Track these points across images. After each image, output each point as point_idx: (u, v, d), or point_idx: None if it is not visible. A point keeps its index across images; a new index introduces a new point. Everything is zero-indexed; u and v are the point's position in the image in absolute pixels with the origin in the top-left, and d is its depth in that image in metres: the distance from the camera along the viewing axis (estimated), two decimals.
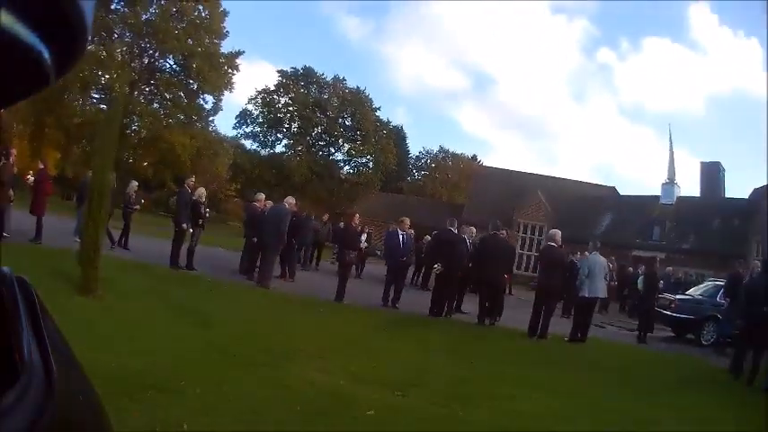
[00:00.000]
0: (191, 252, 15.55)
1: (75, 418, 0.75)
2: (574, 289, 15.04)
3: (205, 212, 16.46)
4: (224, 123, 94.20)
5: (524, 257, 39.81)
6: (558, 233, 14.49)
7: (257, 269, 15.73)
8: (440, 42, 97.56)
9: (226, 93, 51.24)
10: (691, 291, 20.30)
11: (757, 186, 36.68)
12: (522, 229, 41.06)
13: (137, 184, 19.12)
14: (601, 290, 14.44)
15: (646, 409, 8.27)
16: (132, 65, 46.74)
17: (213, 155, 49.88)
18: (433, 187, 68.16)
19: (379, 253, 29.48)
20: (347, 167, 60.69)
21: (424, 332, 12.34)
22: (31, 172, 17.29)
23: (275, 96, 59.19)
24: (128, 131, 44.09)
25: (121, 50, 46.00)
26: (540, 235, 40.84)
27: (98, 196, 10.39)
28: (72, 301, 8.64)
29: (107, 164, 10.86)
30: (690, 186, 60.15)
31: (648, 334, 16.79)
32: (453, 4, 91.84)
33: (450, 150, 73.54)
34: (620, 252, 30.90)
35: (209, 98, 50.74)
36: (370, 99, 59.48)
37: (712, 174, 42.64)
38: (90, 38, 0.60)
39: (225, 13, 49.10)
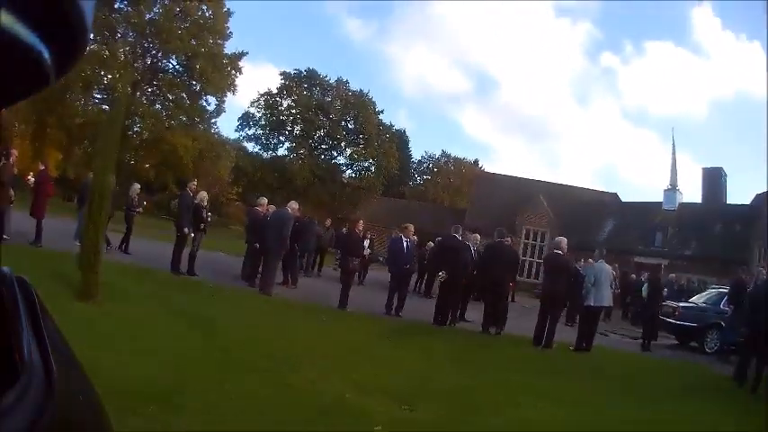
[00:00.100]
0: (192, 257, 15.38)
1: (75, 418, 0.76)
2: (578, 297, 14.90)
3: (207, 217, 16.33)
4: (226, 126, 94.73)
5: (527, 264, 39.60)
6: (563, 240, 14.42)
7: (259, 275, 15.54)
8: (443, 44, 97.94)
9: (228, 95, 51.25)
10: (694, 298, 20.28)
11: (759, 191, 36.81)
12: (524, 235, 40.96)
13: (139, 186, 18.97)
14: (606, 298, 14.32)
15: (651, 417, 8.31)
16: (135, 65, 46.69)
17: (215, 157, 49.83)
18: (435, 192, 68.24)
19: (381, 259, 29.32)
20: (349, 171, 60.55)
21: (428, 341, 12.17)
22: (32, 173, 17.13)
23: (278, 99, 58.98)
24: (130, 133, 44.00)
25: (124, 50, 45.99)
26: (542, 241, 41.16)
27: (99, 198, 10.22)
28: (72, 307, 8.48)
29: (108, 165, 10.68)
30: (692, 191, 60.16)
31: (652, 342, 16.74)
32: (456, 6, 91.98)
33: (453, 155, 73.75)
34: (623, 258, 30.80)
35: (212, 100, 50.78)
36: (373, 102, 59.31)
37: (714, 179, 42.60)
38: (90, 38, 0.60)
39: (229, 14, 49.17)
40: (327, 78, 59.53)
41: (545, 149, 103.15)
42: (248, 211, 20.99)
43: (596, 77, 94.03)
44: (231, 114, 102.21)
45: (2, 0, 0.46)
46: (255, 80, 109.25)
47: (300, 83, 58.91)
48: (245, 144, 60.02)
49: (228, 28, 49.37)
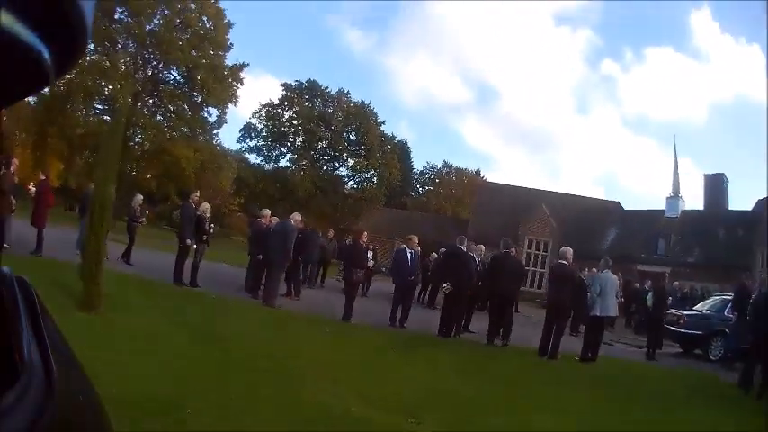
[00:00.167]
0: (194, 268, 15.31)
1: (75, 418, 0.77)
2: (583, 306, 15.10)
3: (209, 228, 16.23)
4: (228, 137, 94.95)
5: (530, 273, 39.30)
6: (569, 251, 14.31)
7: (262, 287, 15.45)
8: (443, 54, 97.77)
9: (230, 106, 51.26)
10: (698, 306, 20.23)
11: (761, 196, 36.87)
12: (527, 244, 40.82)
13: (142, 197, 18.85)
14: (612, 308, 14.28)
15: (658, 425, 8.56)
16: (136, 76, 46.67)
17: (217, 169, 49.80)
18: (437, 203, 68.13)
19: (384, 270, 29.18)
20: (351, 182, 60.32)
21: (433, 352, 12.10)
22: (33, 183, 17.12)
23: (279, 110, 58.87)
24: (131, 143, 43.98)
25: (125, 61, 46.01)
26: (545, 251, 41.10)
27: (100, 209, 10.13)
28: (73, 317, 8.37)
29: (110, 176, 10.58)
30: (693, 196, 60.06)
31: (657, 350, 16.71)
32: (456, 16, 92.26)
33: (454, 165, 73.74)
34: (626, 267, 30.60)
35: (213, 111, 50.76)
36: (375, 113, 59.16)
37: (716, 186, 42.46)
38: (90, 38, 0.61)
39: (229, 25, 49.12)
40: (329, 90, 59.46)
41: (546, 159, 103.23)
42: (251, 222, 20.89)
43: (596, 85, 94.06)
44: (233, 126, 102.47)
45: (2, 0, 0.47)
46: (256, 92, 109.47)
47: (302, 94, 58.83)
48: (247, 155, 59.95)
49: (229, 39, 49.44)
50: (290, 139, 58.86)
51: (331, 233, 26.52)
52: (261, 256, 15.64)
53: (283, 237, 14.89)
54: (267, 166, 58.83)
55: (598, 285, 13.92)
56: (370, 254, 19.19)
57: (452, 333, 14.56)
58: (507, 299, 14.94)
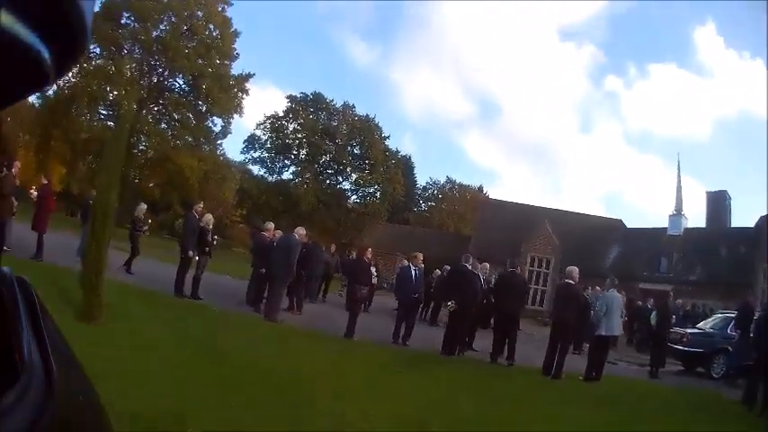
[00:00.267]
0: (196, 280, 15.17)
1: (75, 418, 0.76)
2: (587, 325, 15.11)
3: (212, 240, 16.10)
4: (231, 148, 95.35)
5: (532, 291, 39.07)
6: (575, 270, 14.23)
7: (264, 300, 15.31)
8: (446, 69, 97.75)
9: (235, 116, 51.33)
10: (701, 324, 20.39)
11: (763, 213, 36.70)
12: (529, 261, 40.64)
13: (145, 206, 18.70)
14: (617, 328, 14.41)
15: None
16: (141, 82, 46.65)
17: (221, 179, 49.71)
18: (439, 218, 68.23)
19: (386, 286, 28.96)
20: (354, 197, 60.29)
21: (438, 371, 11.99)
22: (35, 186, 17.10)
23: (284, 122, 58.91)
24: (135, 151, 43.91)
25: (130, 67, 46.07)
26: (546, 268, 41.05)
27: (102, 216, 9.89)
28: (73, 327, 8.15)
29: (112, 183, 10.36)
30: (695, 213, 59.91)
31: (660, 369, 16.71)
32: (459, 31, 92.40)
33: (457, 181, 73.94)
34: (628, 285, 30.52)
35: (218, 121, 50.80)
36: (380, 127, 59.19)
37: (718, 203, 42.46)
38: (90, 38, 0.61)
39: (236, 34, 49.32)
40: (333, 103, 59.60)
41: (549, 175, 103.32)
42: (255, 235, 20.72)
43: (600, 101, 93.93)
44: (237, 136, 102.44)
45: (2, 0, 0.47)
46: (261, 103, 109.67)
47: (307, 106, 58.95)
48: (251, 167, 60.05)
49: (235, 49, 49.60)
50: (294, 152, 58.95)
51: (333, 247, 26.36)
52: (264, 270, 15.48)
53: (287, 251, 14.79)
54: (270, 178, 58.92)
55: (604, 305, 13.87)
56: (373, 270, 19.00)
57: (456, 351, 14.42)
58: (512, 318, 14.85)
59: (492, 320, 16.71)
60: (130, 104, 36.50)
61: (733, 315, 18.01)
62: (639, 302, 25.57)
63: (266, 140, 58.95)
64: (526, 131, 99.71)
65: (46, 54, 0.54)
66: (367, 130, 58.02)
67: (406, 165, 65.53)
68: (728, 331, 17.51)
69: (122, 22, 44.47)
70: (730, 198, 43.05)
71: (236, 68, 50.50)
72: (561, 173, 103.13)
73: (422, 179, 74.00)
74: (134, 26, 44.81)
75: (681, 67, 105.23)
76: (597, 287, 19.10)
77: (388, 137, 60.06)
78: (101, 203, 10.07)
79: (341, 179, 60.13)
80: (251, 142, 58.90)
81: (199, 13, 46.70)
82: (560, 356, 13.32)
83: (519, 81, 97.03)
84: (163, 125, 48.67)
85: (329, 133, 57.56)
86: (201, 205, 16.66)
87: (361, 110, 60.16)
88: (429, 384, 10.49)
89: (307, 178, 57.36)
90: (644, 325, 22.24)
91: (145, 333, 9.55)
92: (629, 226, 46.47)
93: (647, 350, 19.44)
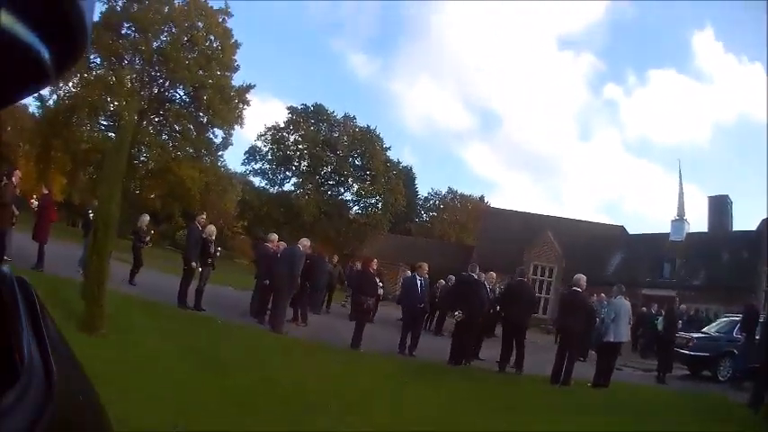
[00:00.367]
0: (199, 292, 15.01)
1: (75, 418, 0.75)
2: (592, 332, 15.30)
3: (215, 252, 15.97)
4: (232, 159, 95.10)
5: None
6: (582, 278, 14.08)
7: (268, 312, 15.20)
8: (446, 79, 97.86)
9: (236, 128, 51.21)
10: (706, 328, 20.43)
11: (765, 216, 36.76)
12: (532, 270, 40.57)
13: (148, 218, 18.54)
14: (625, 334, 14.47)
15: None
16: (141, 93, 46.60)
17: (222, 191, 49.54)
18: (441, 229, 68.12)
19: (390, 297, 28.75)
20: (356, 208, 60.26)
21: (447, 381, 11.91)
22: (35, 195, 17.01)
23: (285, 133, 58.94)
24: (135, 162, 43.78)
25: (131, 77, 46.11)
26: (549, 276, 41.27)
27: (104, 227, 9.78)
28: (74, 338, 7.96)
29: (114, 193, 10.21)
30: (696, 218, 59.90)
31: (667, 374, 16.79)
32: (459, 41, 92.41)
33: (458, 191, 73.94)
34: (631, 291, 30.37)
35: (219, 132, 50.74)
36: (381, 138, 59.19)
37: (720, 207, 42.37)
38: (90, 38, 0.61)
39: (237, 45, 49.28)
40: (334, 114, 59.63)
41: (550, 184, 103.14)
42: (258, 246, 20.58)
43: (599, 109, 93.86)
44: (238, 148, 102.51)
45: (2, 0, 0.47)
46: (261, 114, 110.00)
47: (308, 118, 59.03)
48: (252, 178, 60.04)
49: (236, 60, 49.59)
50: (296, 163, 58.98)
51: (335, 258, 26.18)
52: (268, 282, 15.34)
53: (291, 262, 14.79)
54: (272, 190, 58.95)
55: (612, 311, 13.91)
56: (378, 281, 18.89)
57: (463, 361, 14.31)
58: (520, 327, 14.77)
59: (496, 329, 16.95)
60: (131, 115, 36.50)
61: (738, 318, 18.06)
62: (644, 308, 25.53)
63: (267, 152, 59.09)
64: (526, 140, 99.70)
65: (46, 54, 0.54)
66: (368, 141, 58.10)
67: (407, 175, 65.59)
68: (734, 334, 17.56)
69: (123, 32, 44.50)
70: (732, 202, 43.11)
71: (237, 80, 50.60)
72: (562, 181, 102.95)
73: (423, 190, 74.16)
74: (134, 36, 44.83)
75: (680, 72, 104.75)
76: (602, 294, 19.24)
77: (389, 148, 60.23)
78: (102, 214, 9.98)
79: (342, 190, 60.32)
80: (252, 154, 59.05)
81: (199, 24, 46.78)
82: (569, 364, 13.23)
83: (518, 90, 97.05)
84: (164, 136, 48.69)
85: (330, 144, 57.60)
86: (204, 216, 16.59)
87: (361, 121, 60.31)
88: (439, 394, 10.41)
89: (308, 189, 57.36)
90: (648, 331, 22.57)
91: (148, 345, 9.42)
92: (630, 232, 46.70)
93: (652, 356, 19.83)
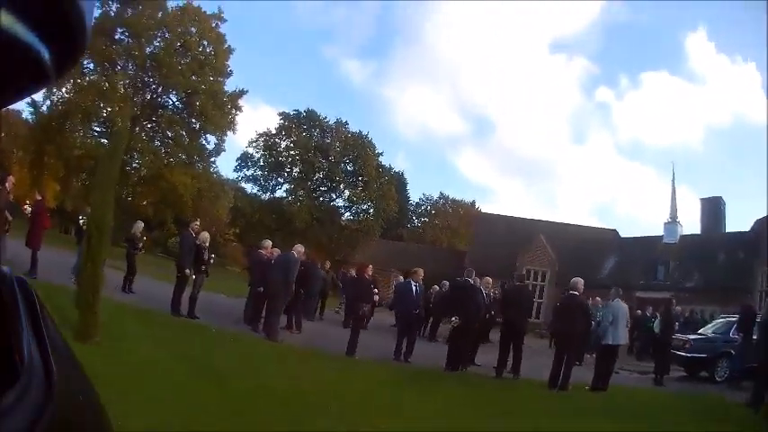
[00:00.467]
0: (193, 299, 14.95)
1: (75, 418, 0.76)
2: (589, 336, 15.44)
3: (209, 259, 15.90)
4: (224, 165, 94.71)
5: None
6: (580, 281, 14.19)
7: (262, 319, 15.16)
8: (438, 84, 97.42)
9: (228, 134, 50.96)
10: (702, 329, 20.66)
11: (758, 216, 36.92)
12: (525, 275, 40.64)
13: (142, 224, 18.47)
14: (624, 337, 14.63)
15: None
16: (134, 99, 46.43)
17: (214, 197, 49.30)
18: (433, 234, 68.30)
19: (382, 303, 28.67)
20: (348, 214, 60.07)
21: (445, 387, 11.96)
22: (28, 201, 16.99)
23: (277, 140, 58.73)
24: (128, 168, 43.49)
25: (124, 83, 45.91)
26: (542, 280, 41.42)
27: (98, 234, 9.70)
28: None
29: (108, 199, 10.19)
30: (689, 220, 60.09)
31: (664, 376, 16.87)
32: (451, 46, 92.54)
33: (450, 196, 74.06)
34: (625, 294, 30.35)
35: (211, 138, 50.48)
36: (373, 144, 59.03)
37: (713, 209, 42.63)
38: (90, 38, 0.61)
39: (230, 51, 49.01)
40: (326, 119, 59.36)
41: (543, 188, 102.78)
42: (252, 253, 20.53)
43: (592, 113, 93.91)
44: (230, 154, 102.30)
45: (2, 0, 0.48)
46: (253, 121, 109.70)
47: (300, 124, 58.73)
48: (244, 185, 59.69)
49: (229, 65, 49.34)
50: (287, 169, 58.67)
51: (328, 264, 26.13)
52: (262, 289, 15.32)
53: (286, 269, 14.73)
54: (264, 196, 58.70)
55: (610, 314, 14.05)
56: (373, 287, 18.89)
57: (459, 367, 14.29)
58: (518, 331, 14.85)
59: (490, 334, 17.29)
60: (125, 121, 36.43)
61: (734, 319, 18.12)
62: (639, 311, 25.61)
63: (259, 158, 58.76)
64: (518, 145, 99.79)
65: (46, 54, 0.54)
66: (360, 147, 57.88)
67: (398, 181, 65.45)
68: (731, 335, 17.59)
69: (116, 37, 44.18)
70: (725, 204, 43.39)
71: (229, 86, 50.35)
72: (554, 185, 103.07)
73: (415, 195, 74.23)
74: (128, 42, 44.51)
75: (673, 74, 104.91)
76: (597, 298, 19.56)
77: (381, 153, 60.02)
78: (96, 221, 9.93)
79: (334, 196, 59.97)
80: (244, 160, 58.75)
81: (192, 29, 46.53)
82: (566, 368, 13.24)
83: (510, 95, 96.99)
84: (156, 143, 48.44)
85: (322, 150, 57.37)
86: (198, 223, 16.52)
87: (354, 127, 60.11)
88: (436, 400, 10.46)
89: (300, 196, 57.12)
90: (644, 333, 22.67)
91: (142, 353, 9.38)
92: (623, 236, 46.95)
93: (648, 358, 20.09)
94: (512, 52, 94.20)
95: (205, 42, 47.36)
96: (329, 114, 59.70)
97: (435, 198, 73.55)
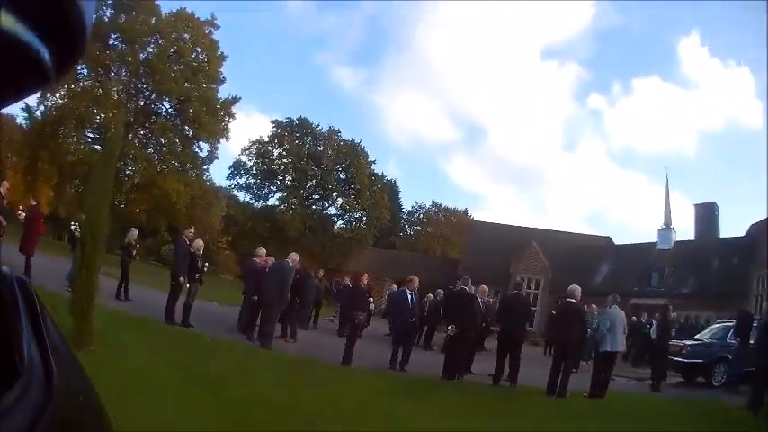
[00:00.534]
0: (187, 308, 14.88)
1: (75, 418, 0.76)
2: (584, 343, 15.78)
3: (203, 267, 15.82)
4: (217, 173, 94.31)
5: None
6: (577, 289, 14.21)
7: (257, 327, 15.06)
8: (429, 91, 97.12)
9: (221, 141, 51.07)
10: (699, 335, 20.73)
11: (753, 221, 37.26)
12: (511, 282, 40.68)
13: (137, 232, 18.41)
14: (621, 343, 14.55)
15: None
16: (128, 105, 46.39)
17: (207, 205, 49.22)
18: (425, 242, 68.33)
19: (375, 311, 28.61)
20: (340, 222, 60.15)
21: (442, 396, 11.81)
22: (21, 207, 16.91)
23: (269, 147, 58.74)
24: (121, 175, 43.26)
25: (117, 89, 45.89)
26: (536, 288, 41.29)
27: (92, 241, 9.57)
28: None
29: (102, 206, 10.05)
30: (682, 226, 60.21)
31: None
32: (442, 53, 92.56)
33: (443, 205, 74.01)
34: (620, 301, 30.59)
35: (204, 146, 50.44)
36: (366, 152, 59.15)
37: (708, 215, 42.80)
38: (90, 38, 0.62)
39: (223, 57, 49.07)
40: (319, 127, 59.43)
41: (535, 196, 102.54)
42: (245, 261, 20.42)
43: (584, 119, 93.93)
44: (222, 162, 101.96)
45: (2, 0, 0.48)
46: (245, 128, 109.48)
47: (292, 132, 58.77)
48: (236, 193, 59.80)
49: (222, 72, 49.36)
50: (280, 177, 58.82)
51: (321, 273, 26.05)
52: (256, 297, 15.21)
53: (281, 278, 14.69)
54: (256, 204, 58.72)
55: (608, 321, 14.09)
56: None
57: (456, 375, 14.23)
58: (517, 339, 14.79)
59: (486, 343, 17.14)
60: (120, 127, 36.40)
61: (731, 324, 18.35)
62: (634, 318, 25.62)
63: (252, 166, 58.87)
64: (511, 152, 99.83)
65: (46, 54, 0.54)
66: (353, 155, 57.99)
67: (391, 189, 65.56)
68: (727, 340, 17.83)
69: (110, 43, 44.25)
70: (719, 209, 43.53)
71: (222, 93, 50.44)
72: (547, 193, 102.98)
73: (407, 203, 74.39)
74: (122, 48, 44.56)
75: (665, 80, 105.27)
76: (594, 305, 19.56)
77: (374, 161, 60.10)
78: (91, 228, 9.78)
79: (327, 204, 60.16)
80: (236, 168, 58.77)
81: (186, 35, 46.60)
82: (564, 375, 13.23)
83: (502, 102, 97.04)
84: (149, 150, 48.39)
85: (315, 158, 57.41)
86: (193, 230, 16.46)
87: (346, 135, 60.18)
88: (436, 409, 10.40)
89: (293, 204, 57.20)
90: (639, 340, 22.70)
91: (137, 361, 9.24)
92: (616, 243, 47.11)
93: (643, 364, 20.38)
94: (503, 59, 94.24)
95: (198, 49, 47.50)
96: (321, 122, 59.75)
97: (428, 206, 73.73)
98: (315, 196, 59.34)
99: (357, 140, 59.43)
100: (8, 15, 0.47)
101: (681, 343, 18.62)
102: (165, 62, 45.64)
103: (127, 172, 46.08)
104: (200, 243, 15.98)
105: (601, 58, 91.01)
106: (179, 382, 8.57)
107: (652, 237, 44.01)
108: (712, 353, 17.75)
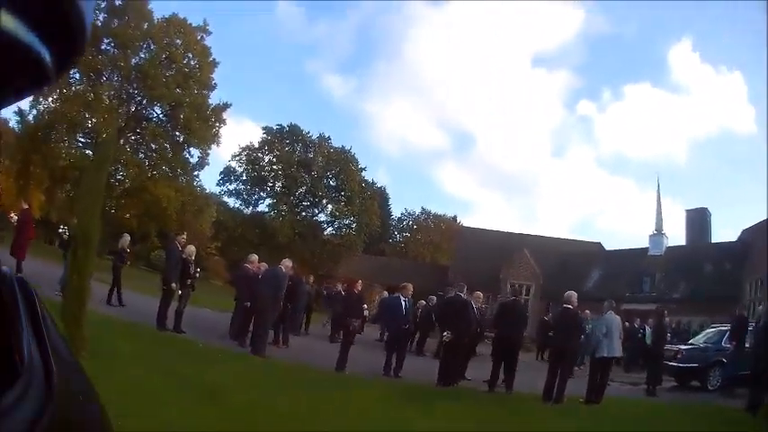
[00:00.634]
0: (179, 314, 14.79)
1: (75, 418, 0.76)
2: (579, 349, 15.73)
3: (195, 273, 15.72)
4: (207, 179, 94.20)
5: None
6: (573, 295, 14.19)
7: (249, 334, 14.96)
8: (419, 98, 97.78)
9: (212, 147, 51.06)
10: (694, 339, 21.13)
11: (744, 226, 37.76)
12: (508, 288, 40.67)
13: (129, 238, 18.28)
14: (618, 349, 14.47)
15: None
16: (119, 110, 46.30)
17: (198, 211, 49.14)
18: (415, 249, 68.40)
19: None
20: (330, 229, 60.16)
21: (440, 402, 11.64)
22: (13, 211, 16.82)
23: (259, 154, 58.77)
24: (112, 181, 43.12)
25: (108, 94, 45.78)
26: (527, 294, 40.87)
27: (84, 246, 9.46)
28: None
29: (94, 210, 9.95)
30: (675, 232, 60.41)
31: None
32: (432, 61, 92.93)
33: (432, 211, 74.29)
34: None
35: (195, 152, 50.43)
36: (356, 159, 59.29)
37: (699, 220, 43.23)
38: (89, 38, 0.62)
39: (214, 64, 49.04)
40: (309, 134, 59.52)
41: (525, 202, 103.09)
42: (238, 267, 20.32)
43: (574, 126, 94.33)
44: (214, 168, 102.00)
45: (2, 0, 0.48)
46: (236, 135, 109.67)
47: (282, 138, 58.90)
48: (226, 199, 59.90)
49: (213, 78, 49.35)
50: (270, 184, 58.98)
51: (311, 279, 25.97)
52: (249, 303, 15.11)
53: (274, 284, 14.65)
54: (246, 211, 58.80)
55: (604, 326, 14.05)
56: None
57: (451, 381, 14.14)
58: (513, 346, 14.74)
59: (479, 349, 17.17)
60: (113, 131, 36.31)
61: (725, 328, 18.49)
62: (626, 323, 25.67)
63: (242, 172, 58.98)
64: (500, 159, 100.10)
65: (46, 54, 0.54)
66: (343, 162, 58.12)
67: (381, 196, 65.65)
68: (722, 344, 17.89)
69: (102, 47, 44.13)
70: (710, 215, 43.91)
71: (213, 99, 50.46)
72: (537, 199, 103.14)
73: (397, 210, 74.72)
74: (114, 52, 44.54)
75: (655, 86, 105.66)
76: (587, 311, 19.59)
77: (364, 168, 60.17)
78: (83, 232, 9.66)
79: (317, 211, 60.33)
80: (227, 174, 58.85)
81: (178, 41, 46.59)
82: (561, 381, 13.20)
83: (492, 109, 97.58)
84: (140, 155, 48.37)
85: (305, 165, 57.49)
86: (185, 236, 16.37)
87: (336, 142, 60.22)
88: (434, 418, 10.23)
89: (283, 210, 57.34)
90: (633, 345, 22.55)
91: (130, 368, 9.11)
92: (608, 248, 47.30)
93: (637, 370, 20.40)
94: (493, 65, 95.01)
95: (190, 55, 47.45)
96: (312, 129, 59.83)
97: (417, 213, 74.01)
98: (305, 203, 59.50)
99: (347, 147, 59.66)
100: (8, 15, 0.47)
101: (675, 347, 18.79)
102: (157, 67, 45.58)
103: (118, 177, 45.98)
104: (192, 249, 15.91)
105: (591, 64, 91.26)
106: (172, 389, 8.46)
107: (642, 243, 44.26)
108: (708, 357, 17.80)
